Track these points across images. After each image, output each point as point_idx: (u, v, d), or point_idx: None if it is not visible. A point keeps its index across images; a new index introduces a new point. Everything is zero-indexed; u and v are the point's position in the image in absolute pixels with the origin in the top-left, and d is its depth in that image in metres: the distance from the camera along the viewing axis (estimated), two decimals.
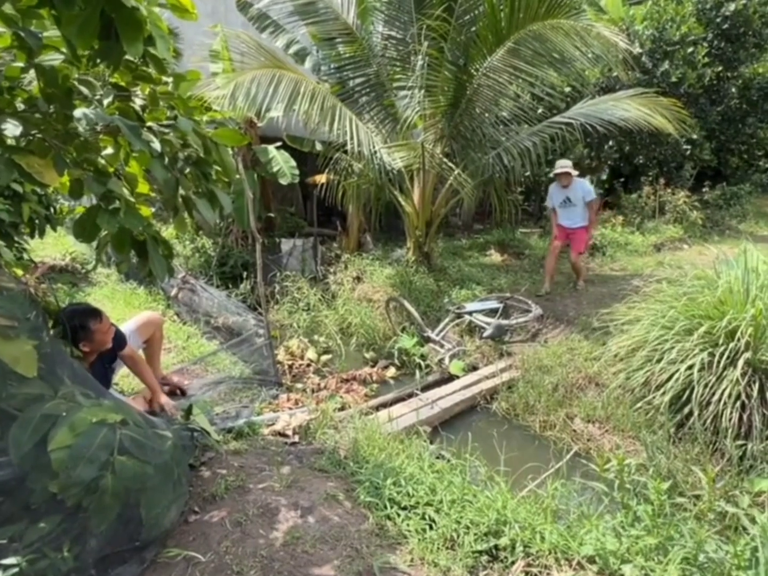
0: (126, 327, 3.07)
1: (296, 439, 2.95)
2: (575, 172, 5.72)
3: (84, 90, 1.97)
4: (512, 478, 2.64)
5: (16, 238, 2.88)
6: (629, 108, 5.57)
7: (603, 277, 6.81)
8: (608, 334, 4.60)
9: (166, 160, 2.02)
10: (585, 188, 5.76)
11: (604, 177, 11.08)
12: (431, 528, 2.10)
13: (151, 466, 1.51)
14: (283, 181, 7.33)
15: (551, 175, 5.44)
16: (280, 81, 4.83)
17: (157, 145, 1.94)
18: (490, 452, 2.99)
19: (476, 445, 2.93)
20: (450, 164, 5.53)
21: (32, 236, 2.81)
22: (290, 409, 3.41)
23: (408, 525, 2.09)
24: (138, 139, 1.82)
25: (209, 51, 6.91)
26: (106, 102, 2.06)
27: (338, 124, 5.25)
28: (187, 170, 2.24)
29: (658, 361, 3.46)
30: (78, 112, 1.79)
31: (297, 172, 7.48)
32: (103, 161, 2.22)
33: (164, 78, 2.16)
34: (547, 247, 7.11)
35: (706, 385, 3.11)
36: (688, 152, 11.25)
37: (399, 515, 2.16)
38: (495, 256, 8.48)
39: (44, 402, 1.47)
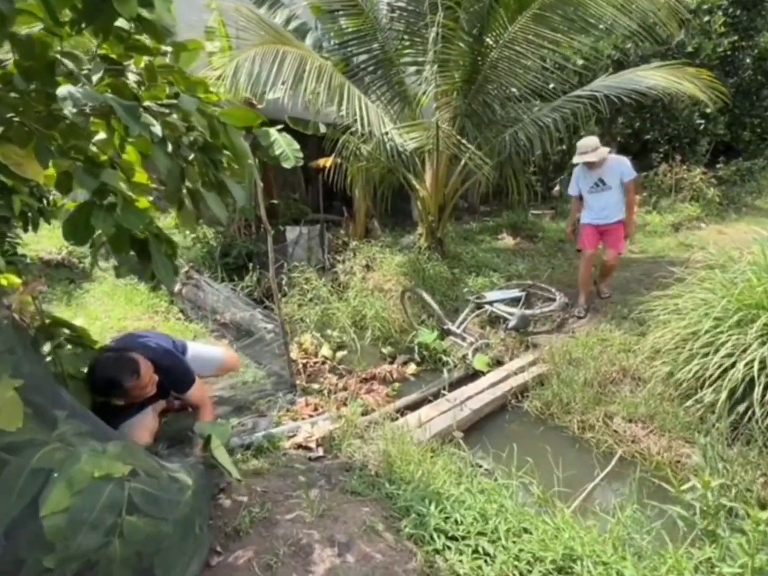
0: (204, 356, 2.91)
1: (320, 452, 2.68)
2: (606, 148, 4.52)
3: (68, 64, 1.64)
4: (555, 488, 2.37)
5: (8, 233, 2.57)
6: (656, 78, 5.20)
7: (624, 261, 6.49)
8: (641, 323, 4.33)
9: (169, 146, 1.70)
10: (623, 165, 4.54)
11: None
12: (487, 563, 1.84)
13: (167, 523, 1.24)
14: (287, 165, 6.87)
15: (574, 161, 4.54)
16: (284, 58, 4.47)
17: (157, 128, 1.62)
18: (532, 459, 2.74)
19: (515, 450, 2.67)
20: (467, 144, 5.17)
21: (25, 230, 2.49)
22: (310, 416, 3.14)
23: (461, 561, 1.83)
24: (136, 122, 1.51)
25: (205, 28, 6.50)
26: (95, 78, 1.73)
27: (347, 104, 4.89)
28: (192, 157, 1.93)
29: (707, 355, 3.18)
30: (62, 91, 1.47)
31: (301, 155, 7.05)
32: (94, 149, 1.91)
33: (162, 48, 1.83)
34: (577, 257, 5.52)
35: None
36: (702, 127, 10.85)
37: (449, 548, 1.90)
38: (508, 240, 8.16)
39: (34, 449, 1.18)
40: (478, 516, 2.03)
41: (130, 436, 2.53)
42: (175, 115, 1.72)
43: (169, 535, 1.24)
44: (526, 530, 1.96)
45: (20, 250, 6.08)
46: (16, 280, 2.55)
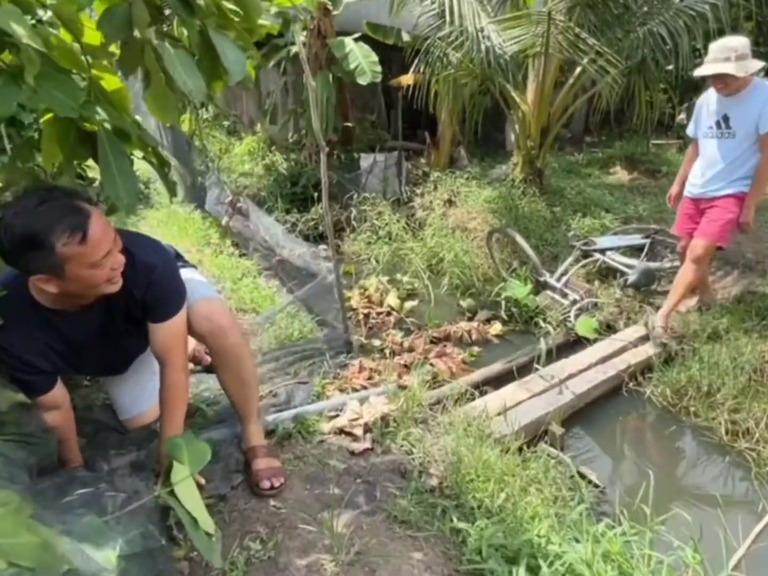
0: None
1: (367, 443, 2.01)
2: (758, 64, 2.65)
3: None
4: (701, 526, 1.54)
5: None
6: None
7: None
8: None
9: None
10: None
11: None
12: None
13: None
14: (362, 81, 6.03)
15: (696, 74, 2.81)
16: None
17: None
18: (659, 471, 1.90)
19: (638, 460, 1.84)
20: (588, 41, 3.95)
21: None
22: (363, 387, 2.47)
23: None
24: None
25: None
26: None
27: None
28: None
29: None
30: None
31: (379, 69, 6.11)
32: None
33: None
34: None
35: None
36: None
37: None
38: (622, 175, 6.81)
39: None
40: None
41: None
42: None
43: None
44: None
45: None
46: None
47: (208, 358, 2.24)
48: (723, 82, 2.69)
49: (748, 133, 2.74)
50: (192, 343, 2.16)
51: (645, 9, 4.62)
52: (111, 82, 1.44)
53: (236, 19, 1.36)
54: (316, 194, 5.61)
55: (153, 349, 1.54)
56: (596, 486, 2.08)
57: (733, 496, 2.20)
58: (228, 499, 1.57)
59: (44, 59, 1.10)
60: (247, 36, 1.40)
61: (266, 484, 1.61)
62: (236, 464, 1.70)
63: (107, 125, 1.34)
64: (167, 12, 1.25)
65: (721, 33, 5.43)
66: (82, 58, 1.32)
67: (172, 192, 1.78)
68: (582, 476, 2.13)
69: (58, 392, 1.48)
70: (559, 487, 1.81)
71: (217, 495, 1.57)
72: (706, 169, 2.95)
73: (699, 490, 2.24)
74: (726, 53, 2.62)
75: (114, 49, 1.34)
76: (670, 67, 4.86)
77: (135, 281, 1.42)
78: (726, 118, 2.82)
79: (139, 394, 1.88)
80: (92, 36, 1.30)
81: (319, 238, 5.32)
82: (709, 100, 2.95)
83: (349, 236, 5.23)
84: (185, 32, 1.25)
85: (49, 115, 1.33)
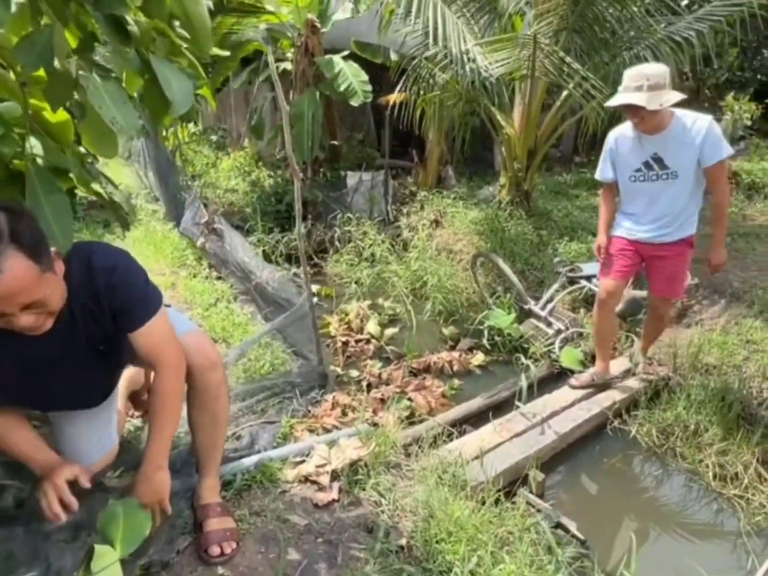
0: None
1: (334, 494, 1.87)
2: (676, 96, 2.29)
3: None
4: None
5: None
6: None
7: (752, 229, 5.01)
8: None
9: None
10: (709, 133, 2.33)
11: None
12: None
13: None
14: (354, 102, 5.97)
15: (606, 105, 2.54)
16: None
17: None
18: (646, 522, 1.78)
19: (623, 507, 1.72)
20: (573, 66, 3.90)
21: None
22: (334, 427, 2.34)
23: None
24: None
25: None
26: None
27: (417, 13, 3.80)
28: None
29: None
30: None
31: (369, 88, 6.07)
32: None
33: None
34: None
35: None
36: None
37: None
38: None
39: None
40: None
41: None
42: None
43: None
44: None
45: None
46: None
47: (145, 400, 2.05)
48: (638, 115, 2.34)
49: (689, 171, 2.43)
50: (128, 380, 1.98)
51: (632, 33, 4.61)
52: (38, 102, 1.31)
53: (184, 45, 1.25)
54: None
55: (141, 357, 1.37)
56: (578, 539, 1.95)
57: (721, 551, 2.08)
58: (171, 567, 1.42)
59: None
60: (197, 64, 1.29)
61: (215, 550, 1.46)
62: (184, 525, 1.55)
63: (40, 161, 1.22)
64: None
65: (707, 58, 5.45)
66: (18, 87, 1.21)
67: (125, 226, 1.67)
68: (564, 529, 2.01)
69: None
70: (537, 548, 1.68)
71: (159, 561, 1.43)
72: (648, 214, 2.58)
73: (685, 544, 2.11)
74: (638, 81, 2.29)
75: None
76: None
77: (95, 289, 1.26)
78: (658, 159, 2.46)
79: (96, 441, 1.66)
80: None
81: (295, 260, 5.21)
82: (626, 139, 2.56)
83: (332, 257, 5.12)
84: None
85: None
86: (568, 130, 7.34)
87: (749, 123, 7.47)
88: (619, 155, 2.61)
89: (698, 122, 2.37)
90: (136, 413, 2.14)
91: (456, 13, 4.54)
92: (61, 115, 1.35)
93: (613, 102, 2.39)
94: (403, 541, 1.66)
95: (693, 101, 8.45)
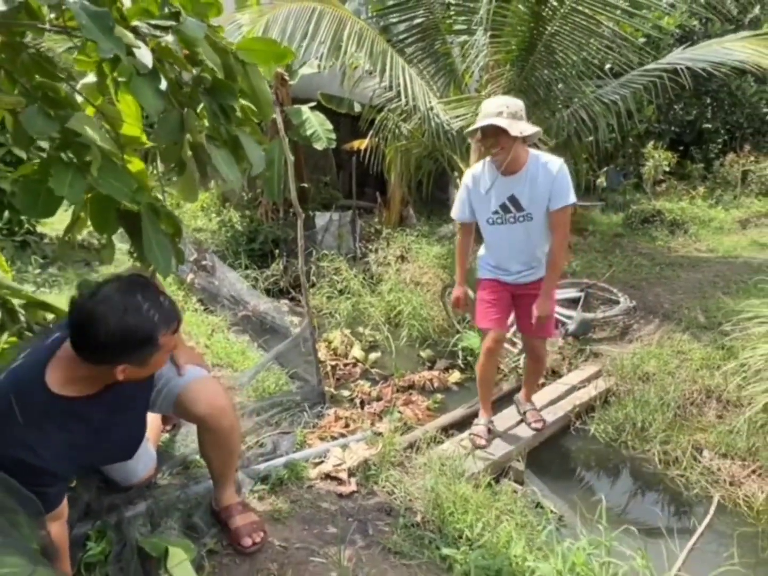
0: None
1: (353, 486, 2.18)
2: (532, 128, 2.26)
3: None
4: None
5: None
6: (747, 50, 4.47)
7: (693, 260, 5.80)
8: (726, 334, 3.69)
9: (163, 81, 1.20)
10: (559, 177, 2.29)
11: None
12: None
13: None
14: (319, 146, 6.46)
15: (465, 132, 2.64)
16: (321, 17, 3.93)
17: (144, 52, 1.12)
18: (606, 498, 2.21)
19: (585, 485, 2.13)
20: None
21: None
22: (341, 434, 2.64)
23: None
24: (105, 35, 1.00)
25: None
26: None
27: (389, 72, 4.34)
28: (201, 106, 1.42)
29: None
30: None
31: (333, 136, 6.59)
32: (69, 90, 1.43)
33: None
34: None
35: None
36: None
37: None
38: None
39: None
40: None
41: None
42: (172, 39, 1.20)
43: None
44: None
45: (40, 229, 5.79)
46: None
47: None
48: (498, 144, 2.22)
49: (543, 213, 2.38)
50: None
51: (567, 93, 5.37)
52: (136, 164, 1.65)
53: (251, 116, 1.63)
54: (277, 251, 5.82)
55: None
56: (555, 513, 2.34)
57: (669, 514, 2.53)
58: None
59: (102, 153, 1.32)
60: (258, 130, 1.67)
61: (248, 541, 1.64)
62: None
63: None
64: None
65: (630, 114, 6.33)
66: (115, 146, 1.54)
67: (180, 260, 1.98)
68: (550, 510, 2.38)
69: (64, 501, 1.36)
70: (527, 515, 2.06)
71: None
72: (510, 257, 2.54)
73: (642, 511, 2.55)
74: (499, 108, 2.21)
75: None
76: (590, 138, 5.63)
77: None
78: (514, 200, 2.37)
79: (134, 466, 1.85)
80: (128, 128, 1.54)
81: (279, 294, 5.50)
82: (481, 181, 2.44)
83: (309, 291, 5.44)
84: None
85: (89, 195, 1.52)
86: None
87: (667, 169, 8.55)
88: (473, 198, 2.51)
89: (550, 164, 2.30)
90: (167, 427, 2.38)
91: (418, 75, 5.16)
92: (140, 165, 1.69)
93: (475, 125, 2.29)
94: (419, 517, 2.00)
95: (619, 149, 9.58)
